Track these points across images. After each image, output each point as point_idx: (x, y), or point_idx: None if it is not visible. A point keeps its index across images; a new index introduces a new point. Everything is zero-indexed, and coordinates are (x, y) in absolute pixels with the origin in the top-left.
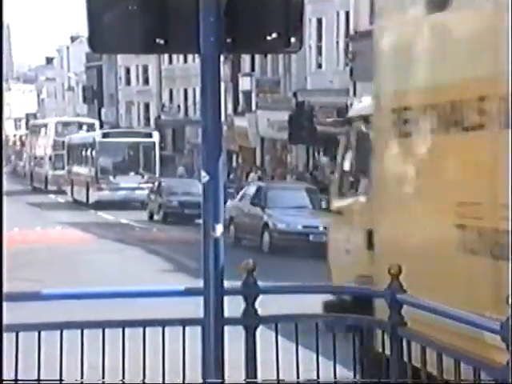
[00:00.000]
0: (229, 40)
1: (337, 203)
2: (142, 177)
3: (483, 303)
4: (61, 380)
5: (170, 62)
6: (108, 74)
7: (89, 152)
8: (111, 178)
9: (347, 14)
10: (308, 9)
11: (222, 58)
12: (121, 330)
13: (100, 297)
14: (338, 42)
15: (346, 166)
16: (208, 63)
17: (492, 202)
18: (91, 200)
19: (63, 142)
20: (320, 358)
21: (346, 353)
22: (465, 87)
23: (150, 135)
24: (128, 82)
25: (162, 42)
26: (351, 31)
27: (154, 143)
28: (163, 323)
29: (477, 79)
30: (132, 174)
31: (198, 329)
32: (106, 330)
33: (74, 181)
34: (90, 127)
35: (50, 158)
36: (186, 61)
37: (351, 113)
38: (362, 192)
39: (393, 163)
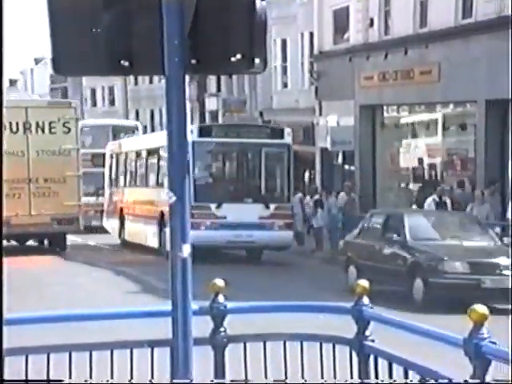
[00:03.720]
0: (193, 61)
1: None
2: (267, 207)
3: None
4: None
5: (136, 83)
6: (73, 96)
7: (155, 162)
8: (212, 207)
9: (311, 34)
10: (273, 30)
11: (187, 79)
12: (88, 353)
13: (67, 320)
14: (302, 63)
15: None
16: (173, 84)
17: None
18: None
19: (93, 156)
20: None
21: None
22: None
23: (280, 133)
24: (94, 104)
25: (126, 63)
26: (315, 51)
27: (289, 147)
28: (131, 345)
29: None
30: (249, 200)
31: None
32: (74, 354)
33: (127, 211)
34: (132, 132)
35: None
36: (151, 81)
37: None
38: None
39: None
